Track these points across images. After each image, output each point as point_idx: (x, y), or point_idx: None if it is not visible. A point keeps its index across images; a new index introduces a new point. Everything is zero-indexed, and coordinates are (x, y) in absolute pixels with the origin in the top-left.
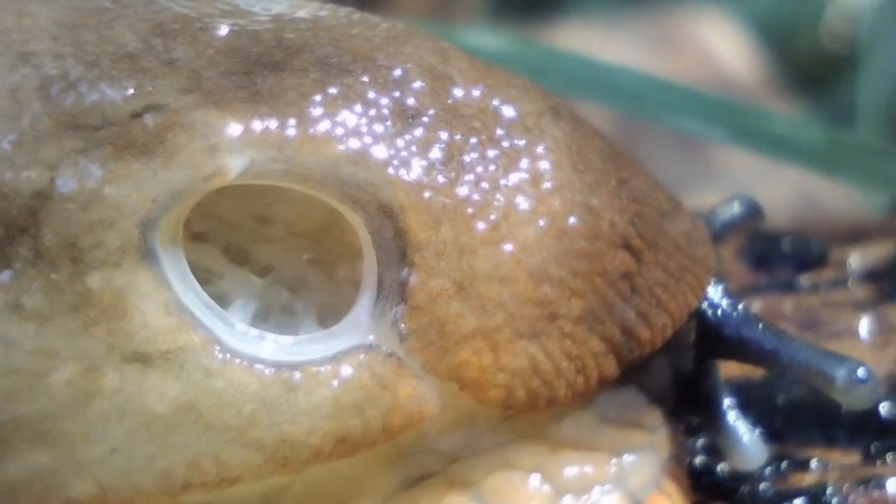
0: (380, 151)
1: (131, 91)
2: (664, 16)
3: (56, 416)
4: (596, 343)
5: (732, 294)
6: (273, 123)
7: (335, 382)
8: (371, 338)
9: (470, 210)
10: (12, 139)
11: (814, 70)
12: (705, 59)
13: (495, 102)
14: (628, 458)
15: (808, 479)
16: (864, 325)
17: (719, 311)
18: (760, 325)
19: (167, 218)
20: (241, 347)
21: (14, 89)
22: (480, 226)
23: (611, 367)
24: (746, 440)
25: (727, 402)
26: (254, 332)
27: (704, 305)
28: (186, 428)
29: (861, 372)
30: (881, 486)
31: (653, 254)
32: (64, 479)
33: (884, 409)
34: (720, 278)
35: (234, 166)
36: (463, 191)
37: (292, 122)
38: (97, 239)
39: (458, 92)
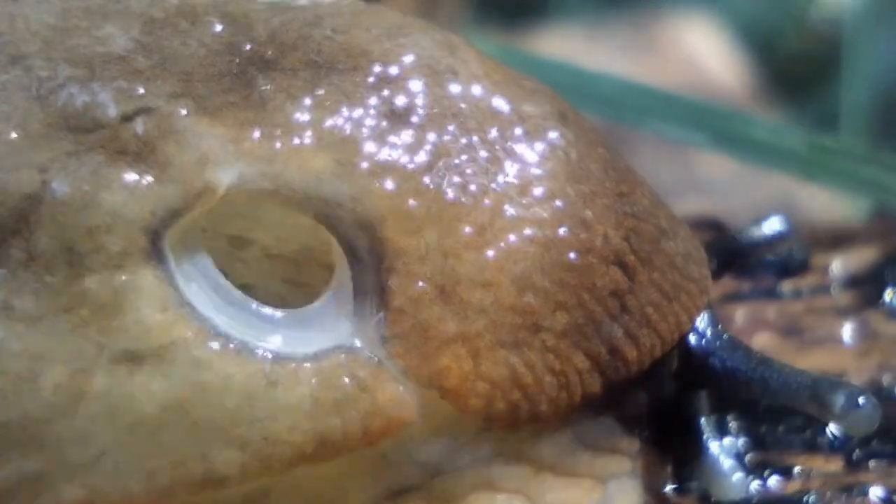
0: (365, 158)
1: (122, 93)
2: (647, 21)
3: (45, 419)
4: (580, 360)
5: (718, 321)
6: (260, 132)
7: (315, 381)
8: (355, 341)
9: (456, 213)
10: (2, 140)
11: (797, 73)
12: (688, 63)
13: (496, 101)
14: (611, 483)
15: (791, 486)
16: (847, 332)
17: (704, 341)
18: (746, 354)
19: (173, 227)
20: (236, 333)
21: (3, 90)
22: (465, 229)
23: (595, 386)
24: (728, 473)
25: (709, 432)
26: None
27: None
28: (173, 427)
29: (861, 398)
30: (864, 493)
31: (647, 272)
32: (53, 484)
33: None
34: (708, 304)
35: (222, 180)
36: (450, 193)
37: (279, 131)
38: (96, 243)
39: (456, 87)
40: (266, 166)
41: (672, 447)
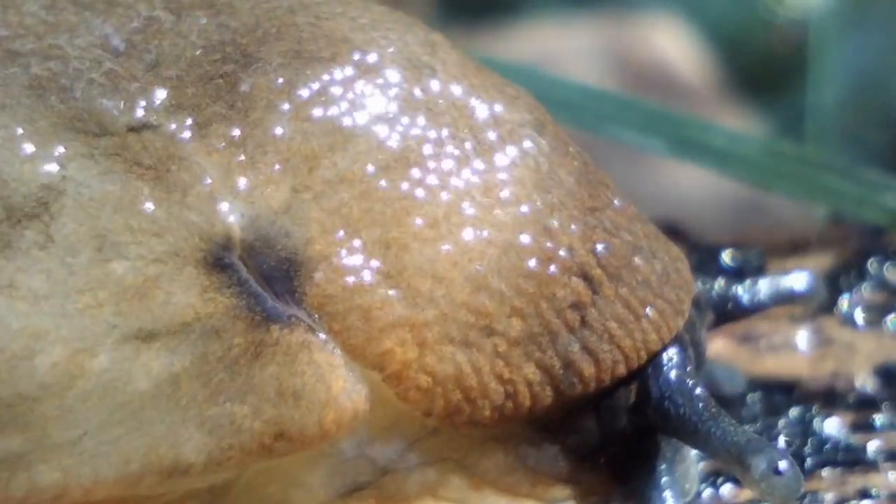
0: (322, 172)
1: (122, 101)
2: (615, 20)
3: (35, 398)
4: (532, 371)
5: (688, 363)
6: (244, 159)
7: (282, 358)
8: (305, 317)
9: (407, 206)
10: (10, 130)
11: (764, 74)
12: (656, 63)
13: (474, 102)
14: None
15: (743, 494)
16: (802, 338)
17: (665, 381)
18: (703, 406)
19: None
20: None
21: (5, 85)
22: (416, 222)
23: (547, 399)
24: None
25: (665, 473)
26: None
27: (650, 370)
28: (158, 405)
29: (783, 464)
30: (818, 501)
31: (614, 287)
32: (30, 465)
33: (818, 423)
34: (682, 343)
35: (234, 222)
36: (405, 187)
37: (258, 153)
38: (137, 239)
39: (435, 84)
40: (250, 209)
41: (629, 480)
